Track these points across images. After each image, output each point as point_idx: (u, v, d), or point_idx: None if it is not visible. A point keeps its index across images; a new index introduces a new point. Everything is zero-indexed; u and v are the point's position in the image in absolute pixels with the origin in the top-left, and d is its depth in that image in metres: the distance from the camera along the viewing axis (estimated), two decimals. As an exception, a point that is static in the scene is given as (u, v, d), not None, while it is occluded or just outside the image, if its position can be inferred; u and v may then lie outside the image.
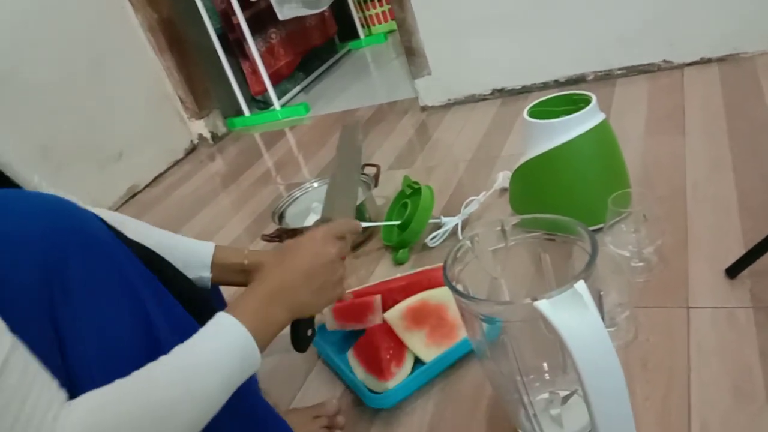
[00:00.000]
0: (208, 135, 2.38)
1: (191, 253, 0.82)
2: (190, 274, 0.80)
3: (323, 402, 0.90)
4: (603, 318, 0.70)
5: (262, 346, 0.61)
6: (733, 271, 0.90)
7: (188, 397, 0.51)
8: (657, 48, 1.64)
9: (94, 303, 0.52)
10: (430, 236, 1.24)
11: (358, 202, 1.29)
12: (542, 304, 0.57)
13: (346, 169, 0.96)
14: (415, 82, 1.96)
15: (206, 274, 0.82)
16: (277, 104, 2.44)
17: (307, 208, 1.43)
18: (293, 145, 2.15)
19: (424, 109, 1.99)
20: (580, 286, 0.57)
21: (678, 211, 1.09)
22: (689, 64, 1.62)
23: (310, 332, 0.76)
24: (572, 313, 0.56)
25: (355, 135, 1.00)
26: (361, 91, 2.47)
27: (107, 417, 0.46)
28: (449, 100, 1.95)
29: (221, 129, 2.44)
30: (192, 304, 0.64)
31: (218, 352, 0.56)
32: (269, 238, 1.31)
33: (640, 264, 0.99)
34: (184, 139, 2.36)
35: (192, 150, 2.38)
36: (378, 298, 0.97)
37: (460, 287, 0.67)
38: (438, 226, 1.26)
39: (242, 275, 0.84)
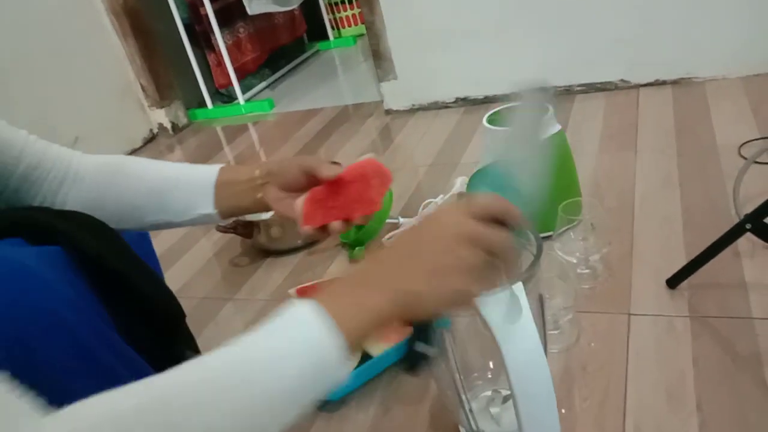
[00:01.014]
0: (168, 125, 2.34)
1: (191, 191, 0.73)
2: (193, 214, 0.73)
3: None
4: (544, 320, 0.72)
5: (350, 345, 0.44)
6: (673, 282, 0.94)
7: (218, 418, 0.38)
8: (616, 68, 1.69)
9: (61, 389, 0.44)
10: (387, 235, 1.25)
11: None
12: (479, 302, 0.58)
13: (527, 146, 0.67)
14: (380, 86, 1.98)
15: (209, 210, 0.73)
16: (241, 99, 2.42)
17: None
18: (255, 140, 2.14)
19: (388, 112, 2.00)
20: (518, 287, 0.59)
21: (625, 223, 1.12)
22: (645, 85, 1.68)
23: (421, 347, 0.53)
24: (506, 313, 0.58)
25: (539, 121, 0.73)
26: (327, 91, 2.47)
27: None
28: (413, 105, 1.97)
29: (182, 120, 2.41)
30: (165, 322, 0.62)
31: (275, 352, 0.41)
32: (224, 229, 1.30)
33: (586, 271, 1.02)
34: (143, 128, 2.31)
35: (151, 139, 2.34)
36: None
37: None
38: (395, 226, 1.27)
39: (255, 192, 0.72)
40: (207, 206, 0.73)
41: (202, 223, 0.76)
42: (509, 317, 0.58)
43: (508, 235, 0.51)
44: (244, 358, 0.41)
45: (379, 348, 0.92)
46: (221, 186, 0.73)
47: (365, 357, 0.93)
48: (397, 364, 0.51)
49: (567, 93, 1.77)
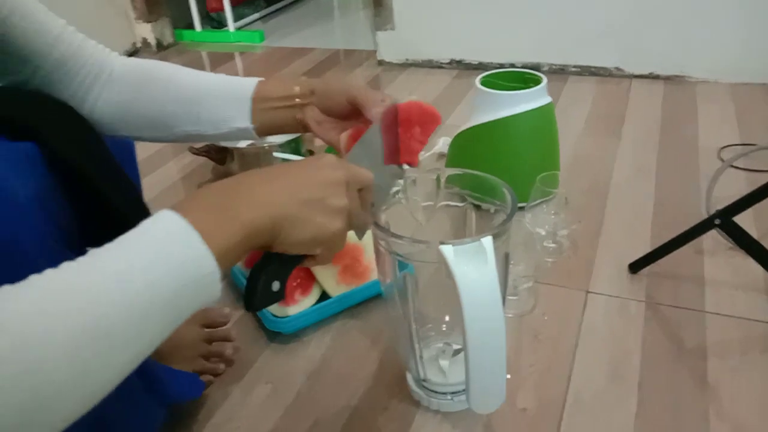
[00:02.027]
0: (153, 41, 2.26)
1: (227, 103, 0.69)
2: (228, 128, 0.70)
3: (215, 309, 0.87)
4: (506, 281, 0.73)
5: (223, 251, 0.42)
6: (635, 267, 0.96)
7: (68, 332, 0.34)
8: (612, 54, 1.69)
9: None
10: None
11: (296, 135, 1.27)
12: (446, 249, 0.58)
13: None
14: (376, 35, 1.93)
15: (245, 124, 0.69)
16: (231, 26, 2.34)
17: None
18: (240, 70, 2.08)
19: (380, 63, 1.96)
20: (487, 241, 0.59)
21: (597, 205, 1.13)
22: (638, 76, 1.68)
23: (277, 286, 0.51)
24: (472, 263, 0.58)
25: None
26: (321, 32, 2.41)
27: None
28: (407, 60, 1.93)
29: (168, 38, 2.32)
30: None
31: (131, 257, 0.38)
32: (197, 151, 1.27)
33: (553, 245, 1.03)
34: (126, 40, 2.23)
35: (133, 53, 2.25)
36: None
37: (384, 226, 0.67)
38: (370, 176, 1.26)
39: (293, 111, 0.70)
40: (243, 120, 0.69)
41: (236, 139, 0.72)
42: (474, 268, 0.58)
43: (366, 201, 0.56)
44: (102, 266, 0.38)
45: (338, 290, 0.92)
46: (258, 100, 0.69)
47: (323, 297, 0.93)
48: (244, 297, 0.51)
49: (561, 72, 1.76)
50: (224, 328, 0.87)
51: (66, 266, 0.37)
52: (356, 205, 0.54)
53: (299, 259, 0.52)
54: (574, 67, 1.74)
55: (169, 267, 0.38)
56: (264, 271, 0.49)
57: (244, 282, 0.86)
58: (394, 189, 0.73)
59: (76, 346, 0.34)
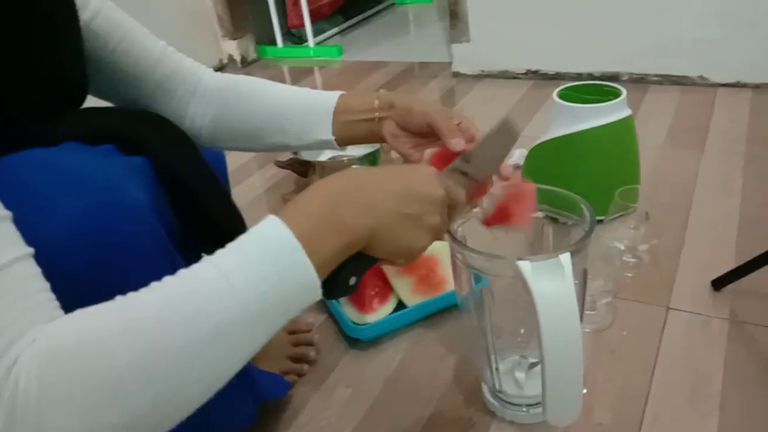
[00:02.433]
0: (238, 57, 2.38)
1: (310, 116, 0.73)
2: (311, 139, 0.74)
3: (300, 316, 0.93)
4: (584, 296, 0.73)
5: (324, 261, 0.45)
6: (718, 284, 0.93)
7: (187, 332, 0.39)
8: (696, 63, 1.64)
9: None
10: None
11: (373, 149, 1.31)
12: (524, 265, 0.59)
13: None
14: (452, 47, 1.96)
15: (327, 136, 0.73)
16: (311, 41, 2.43)
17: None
18: (319, 84, 2.16)
19: (455, 75, 1.99)
20: (565, 257, 0.60)
21: (679, 219, 1.11)
22: (724, 85, 1.62)
23: (353, 281, 0.53)
24: (549, 279, 0.59)
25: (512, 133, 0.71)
26: (397, 46, 2.46)
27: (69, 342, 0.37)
28: (482, 71, 1.95)
29: (252, 54, 2.44)
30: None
31: (245, 268, 0.41)
32: (281, 165, 1.34)
33: (632, 260, 1.02)
34: (213, 57, 2.36)
35: (220, 69, 2.38)
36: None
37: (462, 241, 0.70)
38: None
39: (371, 124, 0.73)
40: (325, 132, 0.73)
41: (319, 148, 0.77)
42: (552, 284, 0.60)
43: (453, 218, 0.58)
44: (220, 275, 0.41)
45: (413, 299, 0.95)
46: (339, 113, 0.73)
47: (400, 305, 0.96)
48: (323, 286, 0.49)
49: (641, 82, 1.72)
50: (308, 333, 0.92)
51: (184, 273, 0.41)
52: (447, 224, 0.56)
53: (377, 260, 0.54)
54: (655, 76, 1.70)
55: (276, 278, 0.42)
56: (346, 267, 0.51)
57: (336, 305, 0.91)
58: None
59: (195, 350, 0.39)
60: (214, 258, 0.42)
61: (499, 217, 0.69)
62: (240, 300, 0.40)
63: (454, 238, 0.68)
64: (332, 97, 0.74)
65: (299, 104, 0.75)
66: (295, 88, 0.78)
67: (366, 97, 0.74)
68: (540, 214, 0.78)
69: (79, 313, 0.39)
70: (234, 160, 1.56)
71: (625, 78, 1.74)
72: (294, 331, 0.92)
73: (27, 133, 0.55)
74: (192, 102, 0.76)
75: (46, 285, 0.40)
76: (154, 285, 0.40)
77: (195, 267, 0.41)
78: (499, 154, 0.69)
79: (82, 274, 0.46)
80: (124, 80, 0.73)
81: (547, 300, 0.60)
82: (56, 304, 0.40)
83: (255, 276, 0.41)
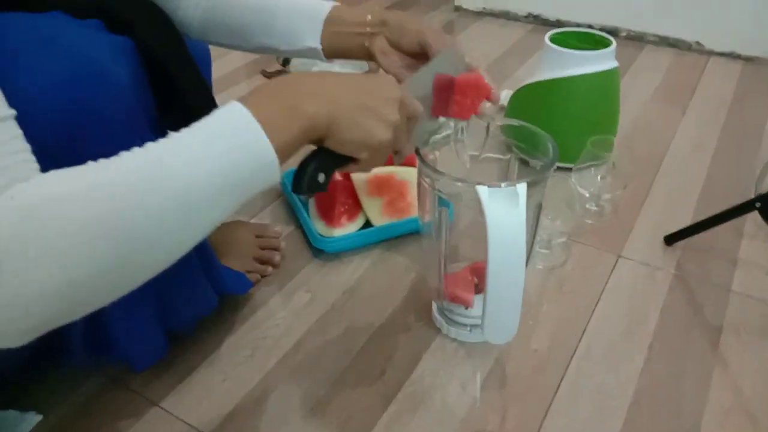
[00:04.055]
0: None
1: (300, 20, 0.74)
2: (299, 45, 0.74)
3: (269, 225, 0.97)
4: (536, 229, 0.77)
5: (284, 143, 0.48)
6: (670, 239, 0.98)
7: (153, 197, 0.42)
8: (694, 28, 1.63)
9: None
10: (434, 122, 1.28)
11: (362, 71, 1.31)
12: (481, 189, 0.63)
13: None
14: (457, -20, 1.93)
15: (315, 44, 0.73)
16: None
17: (314, 61, 1.44)
18: (319, 2, 2.12)
19: (457, 9, 1.96)
20: (521, 187, 0.63)
21: (647, 174, 1.15)
22: (718, 54, 1.63)
23: (322, 177, 0.57)
24: (503, 206, 0.62)
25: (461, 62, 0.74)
26: (403, -28, 2.40)
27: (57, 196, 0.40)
28: (484, 8, 1.93)
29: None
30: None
31: (207, 143, 0.45)
32: (268, 75, 1.34)
33: (595, 208, 1.06)
34: None
35: None
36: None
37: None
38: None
39: (362, 39, 0.73)
40: (313, 40, 0.73)
41: (306, 56, 0.77)
42: (505, 210, 0.63)
43: (411, 130, 0.62)
44: (183, 148, 0.44)
45: (381, 220, 0.98)
46: (330, 22, 0.73)
47: (366, 225, 0.99)
48: (293, 181, 0.56)
49: (639, 40, 1.72)
50: (275, 238, 0.95)
51: (152, 146, 0.44)
52: (403, 127, 0.59)
53: (345, 159, 0.57)
54: (653, 36, 1.70)
55: (236, 153, 0.45)
56: (313, 162, 0.55)
57: (305, 216, 0.95)
58: (436, 136, 0.77)
59: (157, 215, 0.42)
60: (179, 133, 0.45)
61: (440, 106, 0.71)
62: (203, 170, 0.43)
63: (422, 160, 0.71)
64: (325, 5, 0.74)
65: (290, 6, 0.75)
66: (272, 4, 0.76)
67: (359, 10, 0.74)
68: (508, 156, 0.81)
69: (53, 173, 0.41)
70: (222, 67, 1.55)
71: (623, 34, 1.74)
72: (262, 236, 0.96)
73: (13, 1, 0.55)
74: None
75: (27, 146, 0.42)
76: (123, 153, 0.43)
77: (161, 140, 0.44)
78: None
79: (55, 140, 0.48)
80: None
81: (498, 224, 0.63)
82: (35, 165, 0.42)
83: (216, 149, 0.44)
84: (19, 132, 0.42)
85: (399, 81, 0.75)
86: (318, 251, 0.97)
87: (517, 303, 0.67)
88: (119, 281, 0.43)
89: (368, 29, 0.73)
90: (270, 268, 0.92)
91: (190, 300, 0.75)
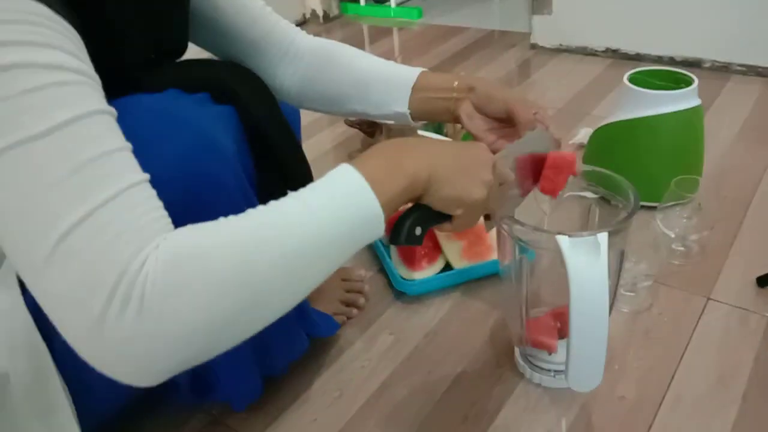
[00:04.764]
0: (320, 13, 2.43)
1: (390, 88, 0.79)
2: (388, 110, 0.80)
3: (355, 268, 1.02)
4: (619, 276, 0.77)
5: (388, 198, 0.52)
6: (763, 281, 0.94)
7: (274, 249, 0.46)
8: (786, 54, 1.58)
9: None
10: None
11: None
12: (562, 239, 0.64)
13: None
14: (532, 18, 1.95)
15: (403, 110, 0.79)
16: (393, 1, 2.45)
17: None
18: (396, 46, 2.19)
19: (533, 47, 1.98)
20: (602, 236, 0.64)
21: (736, 214, 1.11)
22: (813, 81, 1.56)
23: (419, 231, 0.60)
24: (584, 256, 0.63)
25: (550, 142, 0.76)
26: (478, 12, 2.45)
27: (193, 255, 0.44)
28: (561, 45, 1.93)
29: (334, 11, 2.49)
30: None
31: (322, 202, 0.49)
32: (350, 123, 1.40)
33: (681, 248, 1.04)
34: (297, 11, 2.42)
35: (302, 23, 2.45)
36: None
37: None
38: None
39: (448, 103, 0.77)
40: (402, 105, 0.79)
41: (395, 120, 0.82)
42: (587, 260, 0.64)
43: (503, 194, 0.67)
44: (302, 207, 0.49)
45: (461, 263, 1.01)
46: (418, 89, 0.78)
47: (447, 268, 1.02)
48: (391, 232, 0.60)
49: (724, 70, 1.67)
50: (359, 282, 1.00)
51: (272, 203, 0.49)
52: (496, 190, 0.63)
53: (441, 216, 0.61)
54: (739, 65, 1.65)
55: (348, 210, 0.50)
56: (411, 216, 0.60)
57: (388, 260, 0.99)
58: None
59: (282, 263, 0.47)
60: (296, 193, 0.50)
61: (527, 183, 0.75)
62: (318, 224, 0.48)
63: (501, 210, 0.73)
64: (414, 72, 0.80)
65: (383, 75, 0.80)
66: (381, 60, 0.83)
67: (446, 76, 0.79)
68: (590, 195, 0.82)
69: (191, 227, 0.46)
70: (306, 116, 1.62)
71: (707, 65, 1.69)
72: (347, 279, 1.00)
73: (137, 82, 0.63)
74: (283, 62, 0.83)
75: (161, 204, 0.48)
76: (249, 211, 0.48)
77: (280, 200, 0.49)
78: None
79: (177, 206, 0.54)
80: (222, 34, 0.80)
81: (580, 274, 0.64)
82: (169, 219, 0.47)
83: (331, 206, 0.49)
84: (154, 192, 0.47)
85: (480, 141, 0.78)
86: (400, 293, 1.00)
87: (602, 352, 0.68)
88: (244, 327, 0.48)
89: (455, 94, 0.77)
90: (355, 310, 0.97)
91: (284, 345, 0.80)
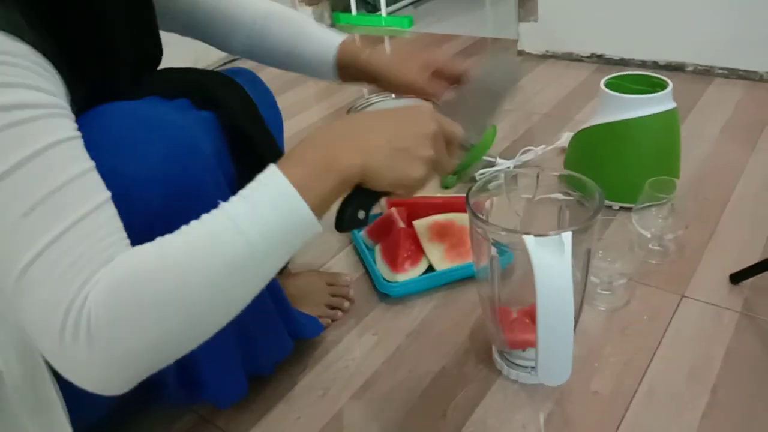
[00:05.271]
0: (313, 22, 2.48)
1: (318, 67, 0.88)
2: (319, 78, 0.91)
3: (341, 274, 1.05)
4: (587, 274, 0.80)
5: (320, 200, 0.53)
6: (736, 278, 0.97)
7: (209, 266, 0.49)
8: (764, 58, 1.60)
9: None
10: (480, 171, 1.33)
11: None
12: (528, 239, 0.67)
13: (487, 97, 0.81)
14: (519, 25, 1.98)
15: (333, 78, 0.89)
16: (384, 10, 2.49)
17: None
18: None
19: (520, 53, 2.01)
20: (566, 235, 0.67)
21: (713, 214, 1.14)
22: (793, 82, 1.59)
23: (362, 214, 0.62)
24: (549, 254, 0.66)
25: (514, 74, 0.87)
26: (469, 20, 2.49)
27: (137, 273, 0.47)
28: (547, 51, 1.97)
29: (326, 21, 2.53)
30: None
31: (250, 214, 0.50)
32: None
33: (658, 248, 1.06)
34: (290, 21, 2.46)
35: (295, 33, 2.49)
36: (394, 210, 1.10)
37: (480, 214, 0.77)
38: (491, 165, 1.35)
39: (365, 74, 0.87)
40: (332, 77, 0.89)
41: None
42: (551, 259, 0.67)
43: (453, 152, 0.66)
44: (231, 220, 0.50)
45: (443, 264, 1.04)
46: (341, 66, 0.87)
47: (429, 270, 1.05)
48: (335, 219, 0.61)
49: (706, 74, 1.70)
50: (345, 287, 1.03)
51: (205, 218, 0.51)
52: (442, 154, 0.63)
53: (383, 194, 0.61)
54: (721, 69, 1.68)
55: (277, 220, 0.51)
56: (352, 202, 0.61)
57: (372, 263, 1.02)
58: (491, 184, 0.82)
59: (214, 282, 0.49)
60: (227, 205, 0.51)
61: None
62: (247, 241, 0.50)
63: (472, 211, 0.76)
64: (332, 49, 0.87)
65: (306, 55, 0.88)
66: (304, 33, 0.89)
67: (359, 52, 0.87)
68: (560, 197, 0.85)
69: (134, 251, 0.49)
70: (299, 124, 1.68)
71: (690, 69, 1.73)
72: (333, 284, 1.03)
73: (117, 91, 0.66)
74: (234, 30, 0.90)
75: (120, 225, 0.50)
76: (183, 229, 0.50)
77: (213, 213, 0.51)
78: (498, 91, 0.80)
79: (158, 209, 0.57)
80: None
81: (546, 272, 0.67)
82: (125, 240, 0.50)
83: (258, 219, 0.50)
84: (111, 213, 0.50)
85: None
86: (384, 295, 1.03)
87: (568, 346, 0.70)
88: (190, 340, 0.51)
89: (364, 65, 0.86)
90: (340, 313, 1.00)
91: (269, 345, 0.83)
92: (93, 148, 0.51)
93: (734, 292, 0.96)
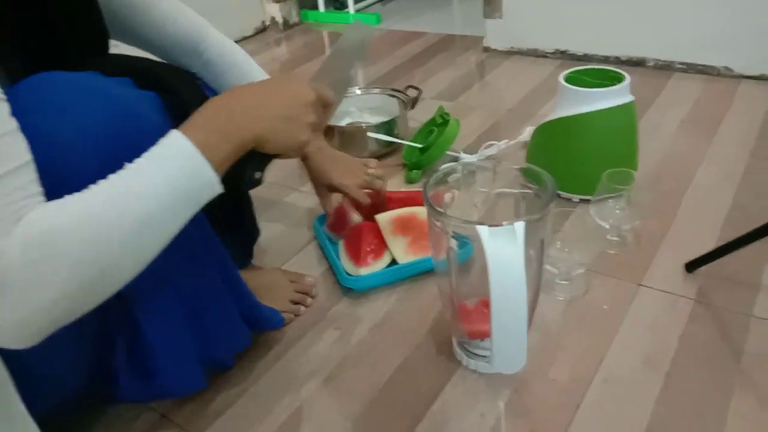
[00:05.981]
0: (280, 20, 2.46)
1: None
2: None
3: (305, 275, 1.05)
4: (541, 264, 0.81)
5: (219, 161, 0.59)
6: (691, 266, 0.99)
7: (121, 222, 0.53)
8: (722, 53, 1.64)
9: None
10: (444, 165, 1.34)
11: (390, 118, 1.39)
12: (482, 229, 0.68)
13: (346, 61, 0.89)
14: (485, 22, 2.00)
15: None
16: (351, 7, 2.49)
17: (345, 110, 1.53)
18: (355, 51, 2.23)
19: (486, 50, 2.03)
20: (519, 225, 0.68)
21: (671, 205, 1.16)
22: (748, 77, 1.63)
23: (258, 175, 0.71)
24: (502, 244, 0.67)
25: (365, 38, 0.92)
26: (436, 17, 2.50)
27: (51, 232, 0.50)
28: (512, 48, 1.99)
29: (294, 17, 2.52)
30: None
31: (157, 173, 0.55)
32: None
33: (615, 238, 1.08)
34: (256, 18, 2.45)
35: (261, 30, 2.47)
36: (344, 201, 1.09)
37: (438, 207, 0.78)
38: (455, 159, 1.36)
39: None
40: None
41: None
42: (504, 248, 0.68)
43: (328, 113, 0.76)
44: (139, 178, 0.55)
45: (406, 258, 1.04)
46: None
47: (392, 263, 1.05)
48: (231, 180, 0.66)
49: (666, 69, 1.74)
50: (309, 285, 1.03)
51: (118, 178, 0.54)
52: (320, 117, 0.72)
53: (274, 156, 0.70)
54: (681, 64, 1.71)
55: (182, 178, 0.57)
56: (249, 164, 0.69)
57: (335, 258, 1.03)
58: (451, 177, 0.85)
59: (126, 234, 0.53)
60: (135, 166, 0.56)
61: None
62: (155, 196, 0.55)
63: (429, 204, 0.76)
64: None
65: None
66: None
67: None
68: (516, 190, 0.86)
69: (48, 206, 0.51)
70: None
71: (650, 64, 1.76)
72: (296, 282, 1.03)
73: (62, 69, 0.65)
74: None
75: (39, 190, 0.52)
76: (100, 184, 0.54)
77: (123, 172, 0.55)
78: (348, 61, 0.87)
79: (94, 176, 0.56)
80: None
81: (499, 261, 0.68)
82: (41, 198, 0.52)
83: (166, 176, 0.56)
84: (30, 176, 0.52)
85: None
86: (347, 290, 1.03)
87: (522, 334, 0.71)
88: (102, 286, 0.55)
89: None
90: (302, 308, 0.99)
91: (224, 334, 0.82)
92: (29, 112, 0.53)
93: (689, 280, 0.98)
